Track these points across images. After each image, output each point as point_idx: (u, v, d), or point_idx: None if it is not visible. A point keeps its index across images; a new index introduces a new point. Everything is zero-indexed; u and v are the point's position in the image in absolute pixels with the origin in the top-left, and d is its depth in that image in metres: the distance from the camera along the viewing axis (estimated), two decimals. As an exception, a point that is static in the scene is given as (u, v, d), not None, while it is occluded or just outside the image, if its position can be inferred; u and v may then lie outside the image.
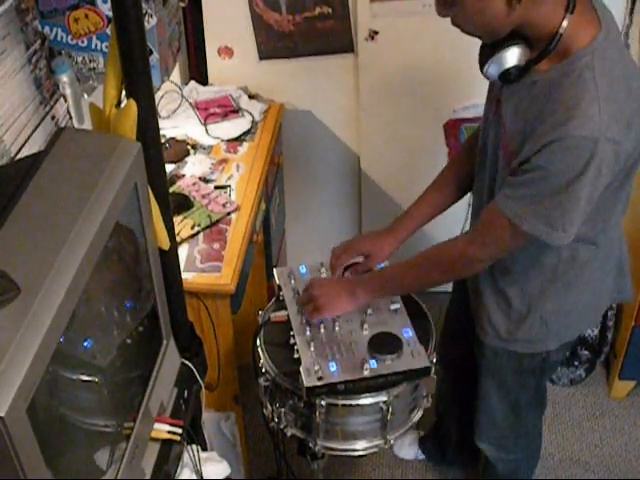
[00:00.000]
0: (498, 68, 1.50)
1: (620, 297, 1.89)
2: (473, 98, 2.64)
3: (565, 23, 1.42)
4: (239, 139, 2.53)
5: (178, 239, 1.91)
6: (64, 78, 1.92)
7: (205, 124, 2.55)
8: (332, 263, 1.86)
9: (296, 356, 1.67)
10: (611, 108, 1.39)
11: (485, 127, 1.71)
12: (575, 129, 1.38)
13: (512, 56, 1.48)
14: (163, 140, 2.40)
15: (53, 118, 1.90)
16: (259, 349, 1.74)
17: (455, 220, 2.02)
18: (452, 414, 2.44)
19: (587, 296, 1.78)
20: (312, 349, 1.66)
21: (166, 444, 1.41)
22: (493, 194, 1.65)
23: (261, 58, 2.74)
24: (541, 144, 1.41)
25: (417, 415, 1.77)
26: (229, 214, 2.17)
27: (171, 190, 2.17)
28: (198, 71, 2.78)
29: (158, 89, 2.36)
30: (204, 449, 1.64)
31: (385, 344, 1.67)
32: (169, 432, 1.39)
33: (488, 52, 1.51)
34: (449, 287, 2.15)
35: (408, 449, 2.69)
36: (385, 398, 1.63)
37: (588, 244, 1.66)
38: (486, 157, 1.70)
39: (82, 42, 1.93)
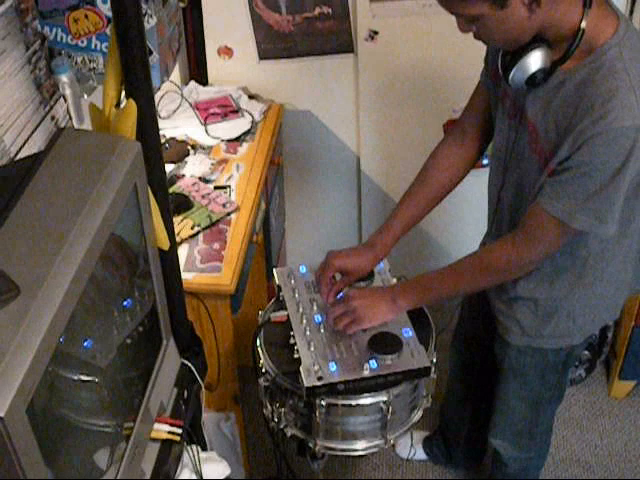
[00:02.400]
0: (524, 74, 1.50)
1: (633, 290, 1.90)
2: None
3: (585, 19, 1.43)
4: (239, 139, 2.52)
5: (178, 239, 1.91)
6: (64, 78, 1.92)
7: (205, 124, 2.55)
8: (318, 285, 1.82)
9: (296, 356, 1.67)
10: None
11: (501, 134, 1.71)
12: (616, 121, 1.39)
13: (536, 60, 1.48)
14: (163, 140, 2.40)
15: (53, 118, 1.90)
16: (259, 349, 1.74)
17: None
18: (462, 415, 2.44)
19: (612, 288, 1.79)
20: (312, 349, 1.66)
21: (166, 444, 1.41)
22: (522, 197, 1.66)
23: (261, 58, 2.74)
24: (582, 140, 1.43)
25: (417, 415, 1.77)
26: (229, 214, 2.17)
27: (171, 190, 2.17)
28: (198, 71, 2.78)
29: (158, 89, 2.36)
30: (204, 449, 1.64)
31: (385, 344, 1.67)
32: (169, 432, 1.39)
33: (510, 59, 1.51)
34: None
35: (410, 449, 2.69)
36: (385, 398, 1.63)
37: (617, 236, 1.65)
38: (507, 163, 1.69)
39: (82, 42, 1.93)
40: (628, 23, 1.47)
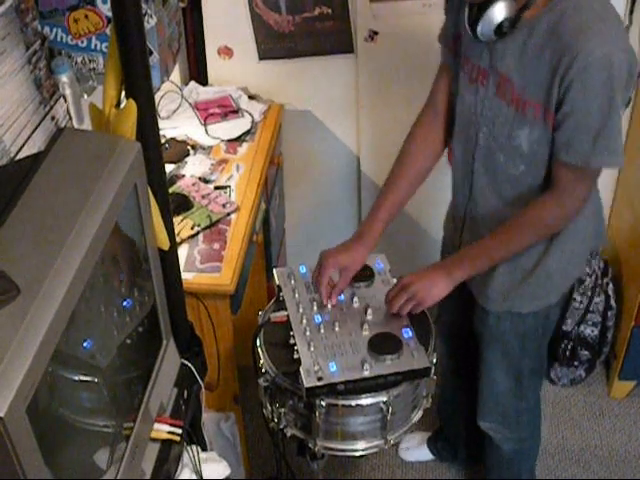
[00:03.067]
0: (490, 24, 1.58)
1: (598, 243, 1.99)
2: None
3: None
4: (239, 139, 2.53)
5: (178, 239, 1.91)
6: (64, 78, 1.92)
7: (205, 124, 2.55)
8: (317, 287, 1.83)
9: (296, 356, 1.67)
10: (613, 24, 1.53)
11: (463, 100, 1.78)
12: (593, 51, 1.47)
13: (500, 10, 1.56)
14: (163, 140, 2.40)
15: (53, 118, 1.90)
16: (259, 349, 1.74)
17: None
18: (458, 406, 2.44)
19: (581, 244, 1.87)
20: (312, 349, 1.66)
21: (166, 444, 1.41)
22: (495, 153, 1.73)
23: (261, 58, 2.74)
24: (568, 80, 1.51)
25: (417, 415, 1.76)
26: (229, 214, 2.17)
27: (171, 190, 2.17)
28: (198, 71, 2.78)
29: (158, 89, 2.36)
30: (204, 449, 1.64)
31: (385, 344, 1.67)
32: (169, 432, 1.39)
33: (476, 14, 1.59)
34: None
35: (415, 451, 2.69)
36: (385, 398, 1.63)
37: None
38: (475, 126, 1.76)
39: (82, 42, 1.94)
40: None
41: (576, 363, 2.89)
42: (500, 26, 1.57)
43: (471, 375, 2.18)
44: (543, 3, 1.55)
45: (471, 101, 1.75)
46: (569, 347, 2.86)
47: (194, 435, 1.55)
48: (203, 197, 2.21)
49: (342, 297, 1.81)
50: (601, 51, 1.47)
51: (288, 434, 1.74)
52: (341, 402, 1.63)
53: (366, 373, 1.61)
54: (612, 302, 2.81)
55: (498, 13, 1.56)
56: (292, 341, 1.70)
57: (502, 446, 2.24)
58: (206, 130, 2.53)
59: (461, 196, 1.92)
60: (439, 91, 1.89)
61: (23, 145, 1.77)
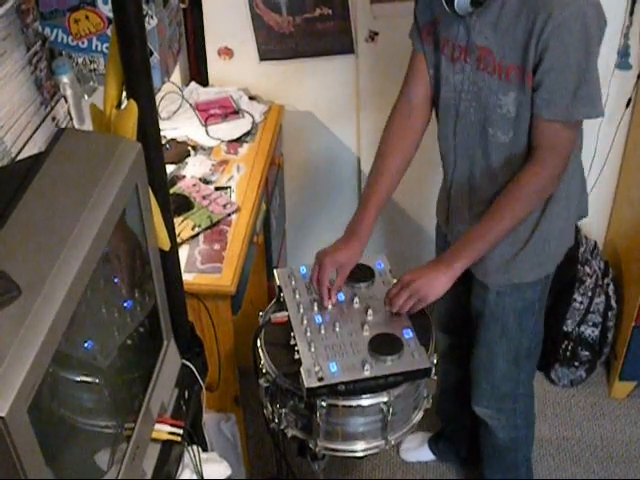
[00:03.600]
0: None
1: (582, 214, 2.01)
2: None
3: None
4: (239, 140, 2.53)
5: (178, 240, 1.91)
6: (65, 79, 1.92)
7: (205, 125, 2.55)
8: (317, 287, 1.83)
9: (297, 357, 1.67)
10: None
11: (447, 82, 1.81)
12: (567, 6, 1.54)
13: None
14: (163, 141, 2.40)
15: (54, 119, 1.91)
16: (259, 350, 1.74)
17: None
18: (460, 399, 2.43)
19: (572, 210, 1.92)
20: (312, 350, 1.66)
21: (167, 445, 1.41)
22: (485, 126, 1.77)
23: (261, 59, 2.74)
24: (544, 41, 1.57)
25: (418, 416, 1.76)
26: (229, 215, 2.17)
27: (171, 191, 2.17)
28: (198, 72, 2.78)
29: (158, 90, 2.36)
30: (205, 450, 1.64)
31: (385, 345, 1.67)
32: (170, 433, 1.39)
33: None
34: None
35: (416, 452, 2.69)
36: (386, 399, 1.63)
37: (576, 150, 1.81)
38: (460, 104, 1.80)
39: (82, 43, 1.94)
40: None
41: (576, 363, 2.89)
42: None
43: (468, 366, 2.18)
44: None
45: (456, 80, 1.79)
46: (569, 347, 2.86)
47: (195, 436, 1.55)
48: (204, 198, 2.21)
49: (342, 298, 1.81)
50: (574, 6, 1.54)
51: (289, 435, 1.74)
52: (342, 403, 1.63)
53: (367, 373, 1.61)
54: (613, 302, 2.81)
55: None
56: (293, 342, 1.70)
57: (498, 434, 2.25)
58: (207, 131, 2.53)
59: (456, 185, 1.94)
60: (412, 82, 1.91)
61: (24, 146, 1.77)
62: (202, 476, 1.51)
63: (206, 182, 2.31)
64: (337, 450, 1.72)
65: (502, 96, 1.71)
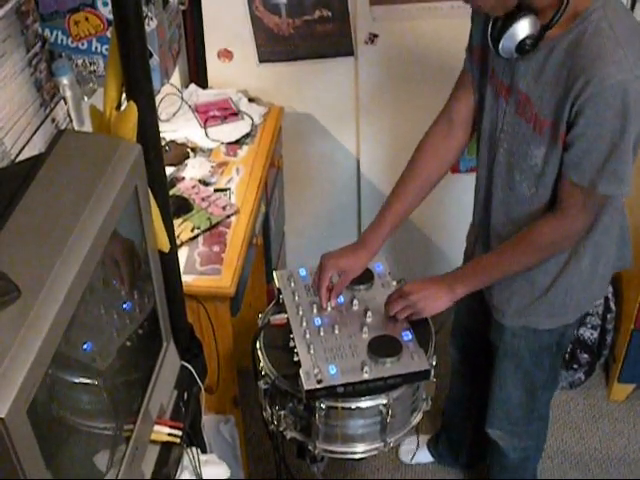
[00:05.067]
0: (513, 41, 1.56)
1: (622, 265, 1.94)
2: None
3: None
4: (239, 142, 2.53)
5: (178, 242, 1.91)
6: (64, 80, 1.92)
7: (205, 127, 2.55)
8: (317, 289, 1.83)
9: (296, 359, 1.67)
10: (633, 49, 1.48)
11: (488, 114, 1.75)
12: (608, 77, 1.45)
13: (524, 26, 1.54)
14: (163, 143, 2.40)
15: (53, 120, 1.91)
16: (259, 352, 1.74)
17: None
18: (466, 412, 2.44)
19: (602, 262, 1.83)
20: (312, 352, 1.66)
21: (166, 446, 1.41)
22: (513, 170, 1.71)
23: (261, 61, 2.74)
24: (580, 104, 1.50)
25: (417, 418, 1.76)
26: (229, 217, 2.17)
27: (171, 193, 2.17)
28: (198, 74, 2.78)
29: (158, 92, 2.36)
30: (204, 451, 1.64)
31: (385, 347, 1.67)
32: (169, 434, 1.39)
33: (499, 29, 1.57)
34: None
35: (416, 454, 2.69)
36: (385, 401, 1.63)
37: (607, 206, 1.72)
38: (496, 140, 1.74)
39: (82, 45, 1.94)
40: None
41: (575, 366, 2.89)
42: (522, 43, 1.55)
43: (483, 381, 2.17)
44: (566, 23, 1.52)
45: (494, 116, 1.74)
46: (568, 350, 2.86)
47: (194, 437, 1.55)
48: (203, 200, 2.21)
49: (342, 300, 1.81)
50: (616, 78, 1.45)
51: (288, 437, 1.74)
52: (341, 405, 1.63)
53: (366, 376, 1.61)
54: (612, 305, 2.81)
55: (521, 30, 1.54)
56: (292, 344, 1.70)
57: (508, 455, 2.24)
58: (206, 133, 2.53)
59: (479, 209, 1.91)
60: (457, 100, 1.86)
61: (23, 147, 1.77)
62: (201, 478, 1.51)
63: (205, 184, 2.31)
64: (336, 452, 1.72)
65: (534, 148, 1.65)
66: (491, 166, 1.79)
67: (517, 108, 1.66)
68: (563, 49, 1.53)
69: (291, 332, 1.72)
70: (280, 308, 1.82)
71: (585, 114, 1.50)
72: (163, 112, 2.57)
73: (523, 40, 1.54)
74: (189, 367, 1.54)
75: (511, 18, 1.54)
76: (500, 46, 1.58)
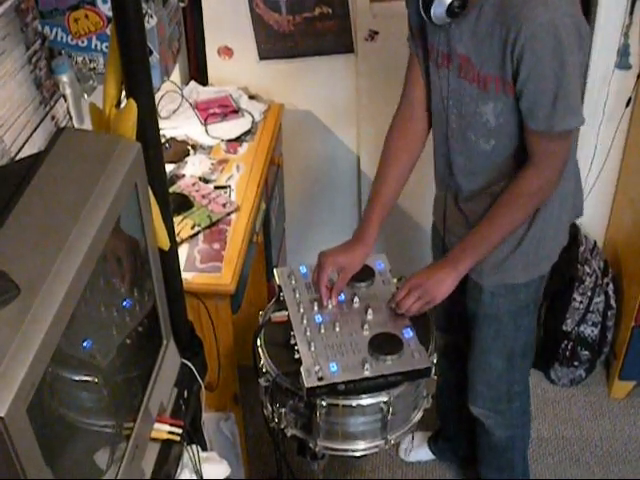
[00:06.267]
0: (442, 6, 1.62)
1: (577, 213, 2.01)
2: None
3: None
4: (239, 139, 2.53)
5: (178, 239, 1.91)
6: (64, 78, 1.92)
7: (205, 124, 2.55)
8: (317, 287, 1.83)
9: (296, 356, 1.66)
10: None
11: (435, 87, 1.82)
12: (537, 17, 1.53)
13: None
14: (163, 140, 2.40)
15: (53, 118, 1.90)
16: (259, 349, 1.74)
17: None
18: (457, 401, 2.43)
19: (566, 210, 1.92)
20: (312, 349, 1.66)
21: (166, 444, 1.41)
22: (467, 133, 1.78)
23: (261, 58, 2.74)
24: (518, 51, 1.56)
25: (417, 415, 1.76)
26: (229, 214, 2.17)
27: (171, 190, 2.17)
28: (198, 71, 2.78)
29: (158, 89, 2.36)
30: (204, 449, 1.64)
31: (385, 344, 1.67)
32: (169, 432, 1.39)
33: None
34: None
35: (416, 451, 2.69)
36: (385, 398, 1.63)
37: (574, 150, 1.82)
38: (447, 109, 1.80)
39: (82, 42, 1.93)
40: None
41: (576, 363, 2.89)
42: (451, 6, 1.61)
43: (465, 365, 2.19)
44: None
45: (440, 85, 1.79)
46: (569, 347, 2.86)
47: (194, 435, 1.55)
48: (203, 197, 2.21)
49: (343, 297, 1.81)
50: (544, 18, 1.52)
51: (288, 434, 1.74)
52: (342, 402, 1.63)
53: (367, 373, 1.61)
54: (612, 302, 2.81)
55: None
56: (293, 341, 1.70)
57: (494, 433, 2.25)
58: (206, 130, 2.53)
59: (442, 178, 1.96)
60: (411, 83, 1.92)
61: (23, 145, 1.77)
62: (201, 476, 1.51)
63: (206, 181, 2.31)
64: (337, 449, 1.72)
65: (482, 105, 1.71)
66: (446, 134, 1.84)
67: (459, 72, 1.72)
68: (492, 4, 1.59)
69: (292, 329, 1.72)
70: (281, 305, 1.82)
71: (524, 59, 1.56)
72: (163, 109, 2.57)
73: (451, 3, 1.61)
74: (189, 365, 1.54)
75: None
76: (432, 14, 1.64)
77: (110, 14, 1.84)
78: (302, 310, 1.77)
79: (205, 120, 2.56)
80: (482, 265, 1.90)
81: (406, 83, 1.93)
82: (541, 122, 1.64)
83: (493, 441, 2.29)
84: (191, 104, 2.62)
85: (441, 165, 1.94)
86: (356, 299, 1.80)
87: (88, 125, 1.86)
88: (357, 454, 1.73)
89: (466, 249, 1.81)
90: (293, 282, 1.85)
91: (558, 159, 1.72)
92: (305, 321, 1.74)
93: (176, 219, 2.04)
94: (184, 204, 2.17)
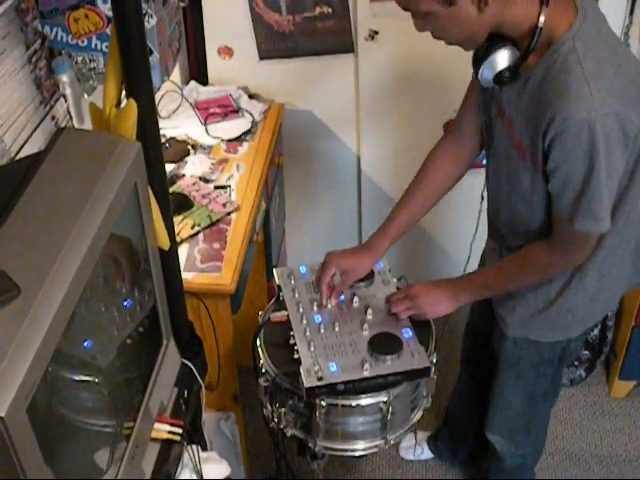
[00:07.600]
0: (491, 72, 1.54)
1: (638, 281, 1.90)
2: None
3: (542, 16, 1.46)
4: (239, 139, 2.52)
5: (178, 239, 1.91)
6: (64, 78, 1.92)
7: (205, 124, 2.55)
8: (318, 286, 1.84)
9: (296, 356, 1.67)
10: (601, 85, 1.42)
11: (489, 131, 1.74)
12: (570, 115, 1.42)
13: (501, 58, 1.52)
14: (163, 140, 2.40)
15: (53, 118, 1.90)
16: (259, 349, 1.74)
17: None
18: (470, 409, 2.44)
19: (609, 281, 1.80)
20: (312, 349, 1.66)
21: (166, 444, 1.41)
22: (510, 196, 1.71)
23: (261, 58, 2.74)
24: (549, 140, 1.47)
25: (417, 415, 1.77)
26: (229, 214, 2.17)
27: (171, 190, 2.17)
28: (198, 71, 2.77)
29: (158, 89, 2.36)
30: (204, 449, 1.64)
31: (385, 344, 1.67)
32: (169, 432, 1.39)
33: (480, 58, 1.55)
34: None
35: (415, 451, 2.69)
36: (385, 398, 1.63)
37: (612, 229, 1.66)
38: (499, 160, 1.73)
39: (82, 42, 1.93)
40: (587, 15, 1.48)
41: (576, 363, 2.89)
42: (500, 75, 1.53)
43: (488, 383, 2.17)
44: (541, 52, 1.49)
45: (493, 134, 1.73)
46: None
47: (194, 435, 1.55)
48: (203, 197, 2.21)
49: (342, 297, 1.82)
50: (578, 116, 1.41)
51: (288, 434, 1.74)
52: (341, 402, 1.63)
53: (366, 373, 1.61)
54: (612, 302, 2.80)
55: (500, 61, 1.52)
56: (292, 341, 1.70)
57: (505, 459, 2.24)
58: (206, 130, 2.53)
59: (491, 219, 1.90)
60: (466, 107, 1.84)
61: (23, 145, 1.77)
62: (201, 475, 1.51)
63: (206, 181, 2.31)
64: (336, 449, 1.72)
65: (522, 175, 1.64)
66: (496, 184, 1.78)
67: (508, 132, 1.64)
68: (536, 81, 1.51)
69: (291, 329, 1.72)
70: (280, 305, 1.82)
71: (554, 150, 1.48)
72: (163, 109, 2.57)
73: (501, 72, 1.53)
74: (189, 364, 1.54)
75: (490, 48, 1.52)
76: (480, 75, 1.57)
77: (110, 14, 1.84)
78: (302, 310, 1.77)
79: (205, 120, 2.56)
80: (508, 317, 1.89)
81: (461, 107, 1.86)
82: (564, 211, 1.55)
83: (504, 466, 2.28)
84: (191, 104, 2.62)
85: (490, 206, 1.88)
86: (356, 299, 1.80)
87: (88, 125, 1.86)
88: (357, 454, 1.73)
89: (471, 284, 1.81)
90: (293, 282, 1.86)
91: (574, 250, 1.65)
92: (305, 321, 1.74)
93: (176, 219, 2.04)
94: (184, 204, 2.17)
